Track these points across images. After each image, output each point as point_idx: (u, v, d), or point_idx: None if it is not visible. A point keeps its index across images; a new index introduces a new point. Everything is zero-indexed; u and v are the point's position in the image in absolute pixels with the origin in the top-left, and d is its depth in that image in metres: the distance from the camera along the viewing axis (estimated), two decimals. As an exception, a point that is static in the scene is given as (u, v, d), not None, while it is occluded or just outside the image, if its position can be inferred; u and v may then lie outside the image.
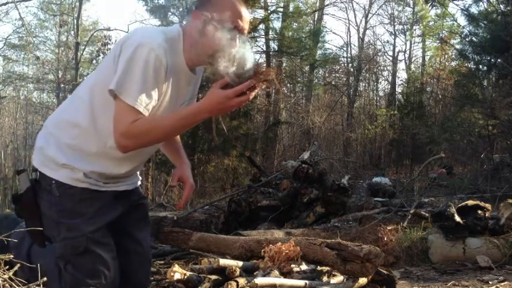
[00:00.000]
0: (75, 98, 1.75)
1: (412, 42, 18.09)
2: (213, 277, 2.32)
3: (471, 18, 8.67)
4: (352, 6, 23.35)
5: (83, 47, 15.82)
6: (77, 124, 1.69)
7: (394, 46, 17.81)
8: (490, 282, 2.95)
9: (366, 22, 18.27)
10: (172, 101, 1.70)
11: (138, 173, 1.93)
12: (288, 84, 15.12)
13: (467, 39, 8.95)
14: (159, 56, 1.56)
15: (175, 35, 1.67)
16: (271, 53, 12.50)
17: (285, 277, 2.42)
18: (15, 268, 1.31)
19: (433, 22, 16.77)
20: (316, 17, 15.79)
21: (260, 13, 11.64)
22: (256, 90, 1.57)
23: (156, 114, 1.65)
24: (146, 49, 1.55)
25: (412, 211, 4.12)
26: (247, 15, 1.69)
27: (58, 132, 1.71)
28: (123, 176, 1.79)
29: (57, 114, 1.79)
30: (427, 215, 3.97)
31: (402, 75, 20.33)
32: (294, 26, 12.85)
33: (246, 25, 1.69)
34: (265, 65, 1.76)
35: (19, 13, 17.96)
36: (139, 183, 1.95)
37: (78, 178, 1.67)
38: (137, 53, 1.55)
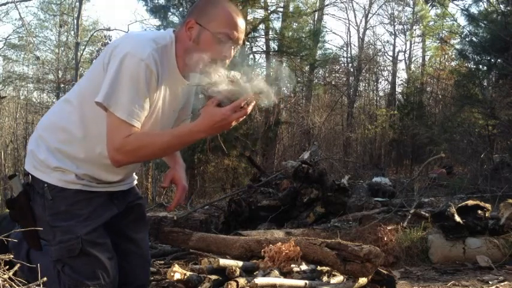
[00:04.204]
0: (66, 103, 1.72)
1: (412, 42, 18.14)
2: (213, 277, 2.32)
3: (471, 18, 8.67)
4: (352, 6, 23.36)
5: (83, 47, 15.82)
6: (65, 129, 1.67)
7: (394, 46, 17.86)
8: (490, 282, 2.95)
9: (366, 22, 18.30)
10: (165, 108, 1.68)
11: (134, 173, 1.92)
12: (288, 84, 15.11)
13: (467, 39, 8.95)
14: (149, 65, 1.52)
15: (167, 42, 1.62)
16: (271, 53, 12.49)
17: (285, 277, 2.42)
18: (15, 268, 1.30)
19: (433, 22, 16.78)
20: (316, 17, 15.78)
21: (260, 13, 11.66)
22: (253, 104, 1.52)
23: (148, 123, 1.62)
24: (135, 59, 1.51)
25: (412, 211, 4.12)
26: (242, 25, 1.63)
27: (47, 136, 1.70)
28: (118, 181, 1.78)
29: (47, 118, 1.77)
30: (427, 215, 3.97)
31: (402, 75, 20.35)
32: (294, 26, 12.83)
33: (241, 35, 1.64)
34: (260, 77, 1.74)
35: (19, 13, 18.01)
36: (135, 182, 1.93)
37: (70, 180, 1.66)
38: (125, 63, 1.51)
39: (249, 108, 1.52)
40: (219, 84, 1.53)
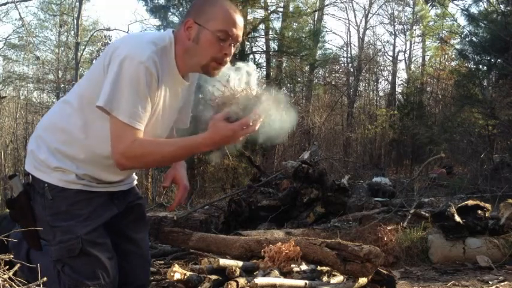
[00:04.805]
0: (65, 103, 1.72)
1: (412, 42, 18.12)
2: (213, 277, 2.32)
3: (471, 18, 8.67)
4: (352, 6, 23.33)
5: (83, 47, 15.82)
6: (65, 130, 1.67)
7: (394, 46, 17.84)
8: (490, 282, 2.96)
9: (366, 22, 18.28)
10: (165, 110, 1.68)
11: (134, 173, 1.92)
12: (288, 84, 15.13)
13: (467, 39, 8.95)
14: (148, 67, 1.52)
15: (166, 43, 1.62)
16: (271, 53, 12.50)
17: (285, 277, 2.42)
18: (15, 268, 1.30)
19: (433, 22, 16.77)
20: (316, 17, 15.77)
21: (260, 13, 11.65)
22: (261, 120, 1.53)
23: (149, 125, 1.62)
24: (135, 62, 1.51)
25: (412, 211, 4.12)
26: (241, 22, 1.63)
27: (47, 136, 1.70)
28: (118, 181, 1.79)
29: (47, 118, 1.77)
30: (427, 215, 3.98)
31: (402, 75, 20.33)
32: (294, 26, 12.82)
33: (240, 32, 1.63)
34: (268, 92, 1.73)
35: (19, 13, 17.92)
36: (135, 183, 1.93)
37: (71, 180, 1.66)
38: (125, 66, 1.51)
39: (257, 125, 1.53)
40: (228, 98, 1.53)
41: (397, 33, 17.76)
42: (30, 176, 1.71)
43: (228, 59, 1.64)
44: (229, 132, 1.51)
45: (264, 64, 12.62)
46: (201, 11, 1.62)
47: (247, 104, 1.51)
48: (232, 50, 1.64)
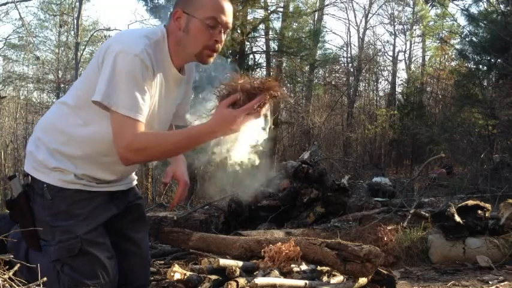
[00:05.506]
0: (63, 104, 1.72)
1: (412, 42, 18.10)
2: (213, 277, 2.32)
3: (471, 18, 8.67)
4: (352, 6, 23.38)
5: (83, 47, 15.82)
6: (63, 131, 1.67)
7: (394, 46, 17.82)
8: (490, 282, 2.95)
9: (366, 22, 18.27)
10: (162, 103, 1.68)
11: (133, 173, 1.92)
12: (288, 84, 15.12)
13: (467, 39, 8.95)
14: (143, 60, 1.52)
15: (159, 37, 1.62)
16: (271, 53, 12.49)
17: (285, 277, 2.42)
18: (15, 268, 1.30)
19: (433, 22, 16.76)
20: (316, 17, 15.76)
21: (260, 13, 11.63)
22: (266, 107, 1.52)
23: (146, 119, 1.61)
24: (129, 56, 1.51)
25: (412, 211, 4.12)
26: (229, 8, 1.63)
27: (46, 137, 1.70)
28: (115, 180, 1.78)
29: (45, 119, 1.78)
30: (427, 215, 3.98)
31: (402, 75, 20.32)
32: (294, 26, 12.81)
33: (229, 19, 1.64)
34: (272, 79, 1.73)
35: (19, 13, 18.00)
36: (134, 183, 1.93)
37: (70, 180, 1.66)
38: (120, 60, 1.51)
39: (262, 112, 1.52)
40: (233, 87, 1.53)
41: (397, 33, 17.77)
42: (30, 177, 1.71)
43: (220, 46, 1.65)
44: (233, 118, 1.49)
45: (264, 64, 12.61)
46: (189, 0, 1.62)
47: (251, 92, 1.51)
48: (223, 37, 1.64)
